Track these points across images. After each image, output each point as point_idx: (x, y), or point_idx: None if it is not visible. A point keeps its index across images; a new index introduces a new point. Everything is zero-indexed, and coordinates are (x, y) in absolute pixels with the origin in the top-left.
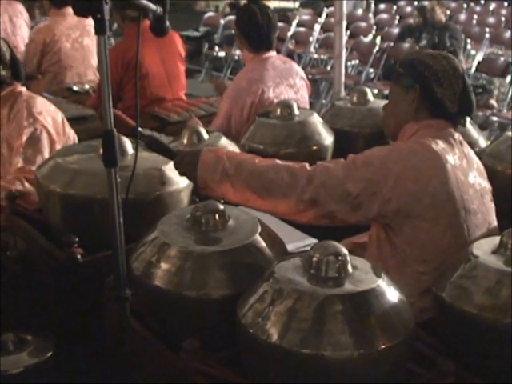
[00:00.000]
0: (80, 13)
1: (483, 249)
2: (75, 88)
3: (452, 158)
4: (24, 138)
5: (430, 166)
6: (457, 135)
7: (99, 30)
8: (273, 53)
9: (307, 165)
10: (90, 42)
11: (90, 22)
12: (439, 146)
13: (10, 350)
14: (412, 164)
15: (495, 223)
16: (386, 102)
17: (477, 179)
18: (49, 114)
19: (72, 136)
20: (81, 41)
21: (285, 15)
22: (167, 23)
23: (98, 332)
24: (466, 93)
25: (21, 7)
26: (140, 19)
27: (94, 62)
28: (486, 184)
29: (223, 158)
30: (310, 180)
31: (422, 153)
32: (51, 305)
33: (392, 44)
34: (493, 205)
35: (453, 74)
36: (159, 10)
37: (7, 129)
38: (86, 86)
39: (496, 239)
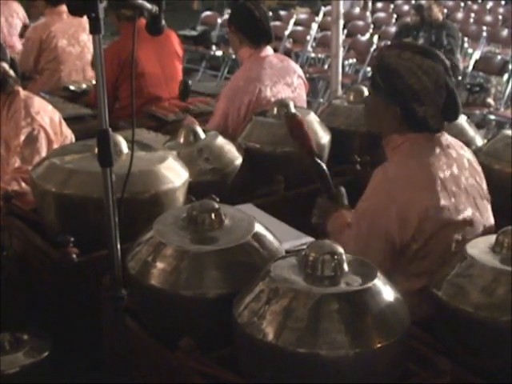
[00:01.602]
0: (74, 12)
1: (479, 247)
2: (72, 87)
3: (442, 172)
4: (22, 137)
5: (423, 197)
6: (444, 139)
7: (94, 29)
8: (270, 51)
9: None
10: (87, 37)
11: (86, 19)
12: (428, 167)
13: (6, 350)
14: (407, 203)
15: (491, 221)
16: (367, 95)
17: (469, 181)
18: (46, 113)
19: (69, 136)
20: (77, 37)
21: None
22: (163, 22)
23: (94, 331)
24: (451, 99)
25: (16, 6)
26: (136, 18)
27: (92, 56)
28: (478, 181)
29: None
30: None
31: (413, 186)
32: (47, 305)
33: (389, 43)
34: (486, 202)
35: (434, 89)
36: (155, 9)
37: (5, 128)
38: (83, 86)
39: (492, 238)
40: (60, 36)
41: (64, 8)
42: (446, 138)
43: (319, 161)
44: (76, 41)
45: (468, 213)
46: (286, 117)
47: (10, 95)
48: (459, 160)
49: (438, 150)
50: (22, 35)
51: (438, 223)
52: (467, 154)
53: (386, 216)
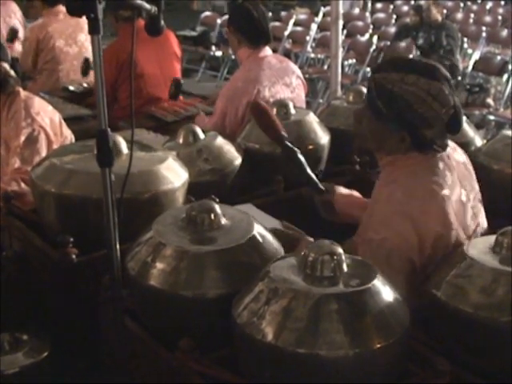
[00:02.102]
0: (73, 12)
1: (478, 248)
2: (72, 88)
3: (449, 191)
4: (22, 138)
5: (435, 221)
6: (442, 153)
7: (93, 29)
8: (269, 51)
9: None
10: (85, 37)
11: (83, 19)
12: (435, 188)
13: (5, 350)
14: (423, 223)
15: (485, 224)
16: (358, 110)
17: (468, 191)
18: (46, 114)
19: (69, 136)
20: (74, 37)
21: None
22: (162, 23)
23: (93, 332)
24: (456, 115)
25: (14, 7)
26: (134, 19)
27: (89, 56)
28: (473, 185)
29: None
30: None
31: (424, 210)
32: (47, 305)
33: (389, 43)
34: (480, 205)
35: (444, 112)
36: (154, 9)
37: (5, 129)
38: (84, 85)
39: (491, 238)
40: (57, 36)
41: (61, 8)
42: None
43: (290, 145)
44: (73, 41)
45: (472, 227)
46: (251, 107)
47: (11, 95)
48: (459, 169)
49: (441, 165)
50: (11, 39)
51: (450, 244)
52: (462, 157)
53: (407, 243)
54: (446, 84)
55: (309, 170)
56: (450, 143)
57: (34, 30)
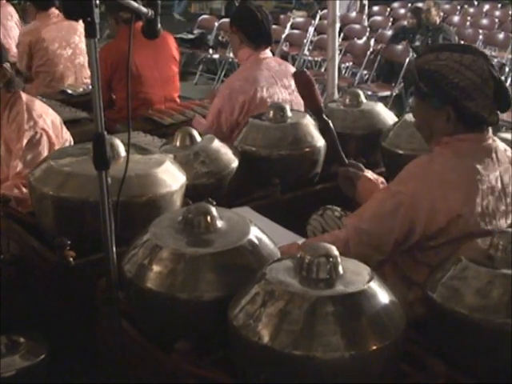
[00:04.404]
0: (70, 16)
1: (474, 250)
2: (69, 91)
3: (485, 180)
4: (24, 141)
5: (460, 202)
6: (492, 143)
7: (89, 33)
8: (269, 54)
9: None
10: (78, 39)
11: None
12: (472, 172)
13: (2, 353)
14: (442, 203)
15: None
16: (413, 106)
17: (506, 189)
18: (48, 116)
19: (69, 139)
20: (68, 39)
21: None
22: (159, 26)
23: (90, 334)
24: (500, 88)
25: (11, 9)
26: (132, 21)
27: (84, 58)
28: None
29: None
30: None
31: (453, 188)
32: (44, 307)
33: (386, 46)
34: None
35: (481, 82)
36: (151, 12)
37: (6, 130)
38: (80, 89)
39: (487, 240)
40: (51, 39)
41: (54, 11)
42: (495, 141)
43: (327, 118)
44: (67, 43)
45: (497, 223)
46: (295, 74)
47: (12, 97)
48: (503, 167)
49: (484, 155)
50: None
51: (465, 230)
52: (509, 157)
53: (416, 207)
54: (480, 56)
55: (338, 144)
56: (503, 145)
57: (26, 34)
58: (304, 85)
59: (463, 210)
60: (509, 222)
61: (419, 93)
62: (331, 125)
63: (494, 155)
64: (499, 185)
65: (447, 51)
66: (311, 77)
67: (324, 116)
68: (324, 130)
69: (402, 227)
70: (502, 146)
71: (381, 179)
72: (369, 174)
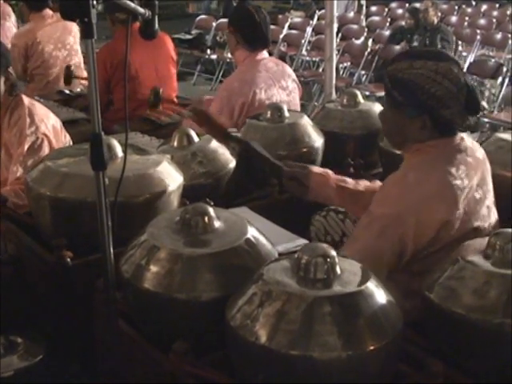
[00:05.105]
0: (67, 16)
1: (471, 250)
2: (67, 91)
3: (461, 182)
4: (26, 146)
5: (443, 210)
6: (463, 144)
7: (86, 33)
8: (266, 54)
9: None
10: (73, 40)
11: (70, 21)
12: (448, 178)
13: (0, 353)
14: (427, 216)
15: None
16: (381, 111)
17: (483, 187)
18: (49, 121)
19: (68, 141)
20: (63, 40)
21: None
22: (156, 26)
23: (88, 334)
24: (472, 94)
25: (8, 9)
26: (129, 22)
27: (79, 59)
28: (488, 187)
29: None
30: None
31: (433, 198)
32: (41, 308)
33: (383, 46)
34: (492, 204)
35: (456, 90)
36: (148, 13)
37: (6, 134)
38: (78, 89)
39: (484, 240)
40: (46, 41)
41: (48, 12)
42: (463, 139)
43: (234, 134)
44: (62, 44)
45: (480, 221)
46: (192, 116)
47: (14, 100)
48: (476, 166)
49: (457, 157)
50: None
51: (455, 234)
52: (481, 155)
53: (403, 225)
54: (454, 64)
55: (266, 154)
56: (474, 144)
57: (21, 37)
58: (204, 120)
59: (448, 216)
60: (490, 205)
61: (392, 101)
62: (250, 142)
63: (464, 154)
64: (474, 181)
65: (421, 59)
66: (204, 110)
67: (238, 135)
68: (245, 150)
69: (393, 248)
70: (469, 141)
71: (328, 170)
72: (314, 168)
